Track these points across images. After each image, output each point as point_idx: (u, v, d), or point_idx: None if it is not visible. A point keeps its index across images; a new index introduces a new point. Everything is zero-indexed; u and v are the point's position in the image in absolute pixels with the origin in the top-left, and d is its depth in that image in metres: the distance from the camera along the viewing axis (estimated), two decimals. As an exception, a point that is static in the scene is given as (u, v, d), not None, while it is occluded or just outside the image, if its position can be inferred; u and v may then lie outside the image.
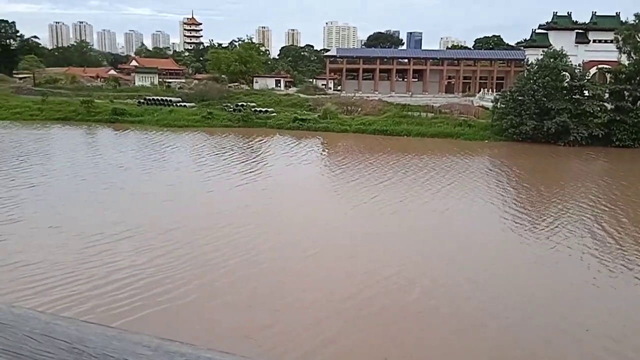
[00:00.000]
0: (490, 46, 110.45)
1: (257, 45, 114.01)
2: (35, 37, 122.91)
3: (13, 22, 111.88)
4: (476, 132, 53.20)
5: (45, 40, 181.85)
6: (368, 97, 70.89)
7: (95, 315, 12.75)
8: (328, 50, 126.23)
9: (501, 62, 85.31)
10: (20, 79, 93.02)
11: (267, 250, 18.43)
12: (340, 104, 65.04)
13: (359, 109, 63.98)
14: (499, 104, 52.99)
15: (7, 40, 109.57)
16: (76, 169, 32.91)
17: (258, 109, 62.23)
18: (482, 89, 75.20)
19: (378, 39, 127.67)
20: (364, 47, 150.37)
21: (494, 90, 70.76)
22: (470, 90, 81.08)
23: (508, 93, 53.44)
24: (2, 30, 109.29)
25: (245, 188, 28.96)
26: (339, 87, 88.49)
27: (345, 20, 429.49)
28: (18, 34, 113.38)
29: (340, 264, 17.27)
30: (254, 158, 39.78)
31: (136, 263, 16.58)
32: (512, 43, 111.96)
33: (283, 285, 15.48)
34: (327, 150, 46.53)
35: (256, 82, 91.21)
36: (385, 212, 24.17)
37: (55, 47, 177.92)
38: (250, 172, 33.48)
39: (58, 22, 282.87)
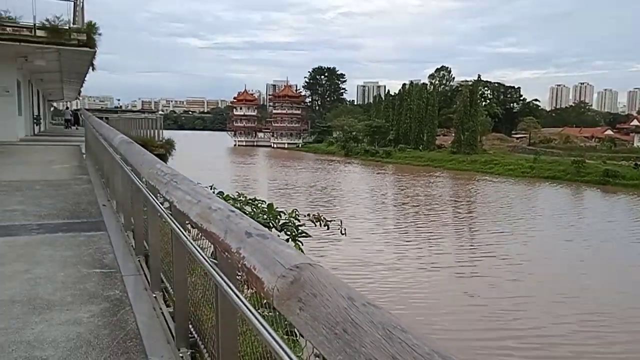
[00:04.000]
0: None
1: None
2: (536, 100, 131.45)
3: (518, 88, 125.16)
4: None
5: (545, 103, 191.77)
6: None
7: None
8: None
9: None
10: (517, 138, 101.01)
11: None
12: None
13: None
14: None
15: (512, 104, 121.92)
16: (562, 232, 31.96)
17: None
18: None
19: None
20: None
21: None
22: None
23: None
24: (509, 96, 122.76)
25: None
26: None
27: None
28: (521, 98, 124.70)
29: None
30: None
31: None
32: None
33: None
34: None
35: None
36: None
37: (553, 108, 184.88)
38: None
39: (559, 85, 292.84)
